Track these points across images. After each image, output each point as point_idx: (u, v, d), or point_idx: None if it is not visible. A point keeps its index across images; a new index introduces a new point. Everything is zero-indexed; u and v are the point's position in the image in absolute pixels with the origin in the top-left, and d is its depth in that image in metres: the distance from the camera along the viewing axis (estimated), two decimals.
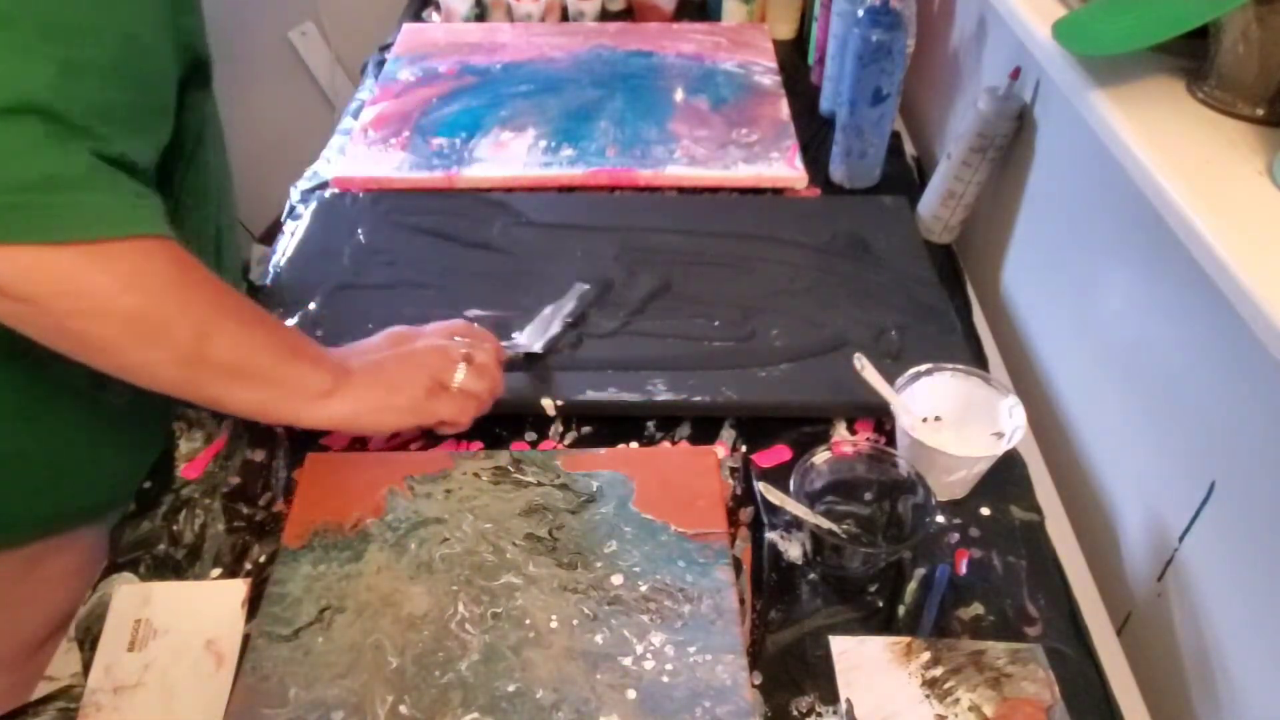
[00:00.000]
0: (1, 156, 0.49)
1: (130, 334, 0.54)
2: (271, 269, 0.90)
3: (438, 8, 1.42)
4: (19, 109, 0.49)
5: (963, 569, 0.66)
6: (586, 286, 0.85)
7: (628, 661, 0.60)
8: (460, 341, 0.69)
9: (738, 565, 0.66)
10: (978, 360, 0.83)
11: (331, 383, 0.63)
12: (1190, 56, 0.64)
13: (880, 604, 0.64)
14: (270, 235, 0.96)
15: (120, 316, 0.53)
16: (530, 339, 0.79)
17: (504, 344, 0.75)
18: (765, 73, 1.22)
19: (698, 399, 0.76)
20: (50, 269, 0.51)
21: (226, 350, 0.57)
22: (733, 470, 0.73)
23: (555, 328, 0.81)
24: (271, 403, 0.61)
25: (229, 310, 0.59)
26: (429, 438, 0.75)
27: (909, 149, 1.16)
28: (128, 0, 0.56)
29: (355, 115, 1.16)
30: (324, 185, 1.04)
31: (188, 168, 0.73)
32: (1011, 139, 0.89)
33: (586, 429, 0.77)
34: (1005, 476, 0.72)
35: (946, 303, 0.86)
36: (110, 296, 0.53)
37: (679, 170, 1.04)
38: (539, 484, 0.71)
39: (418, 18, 1.42)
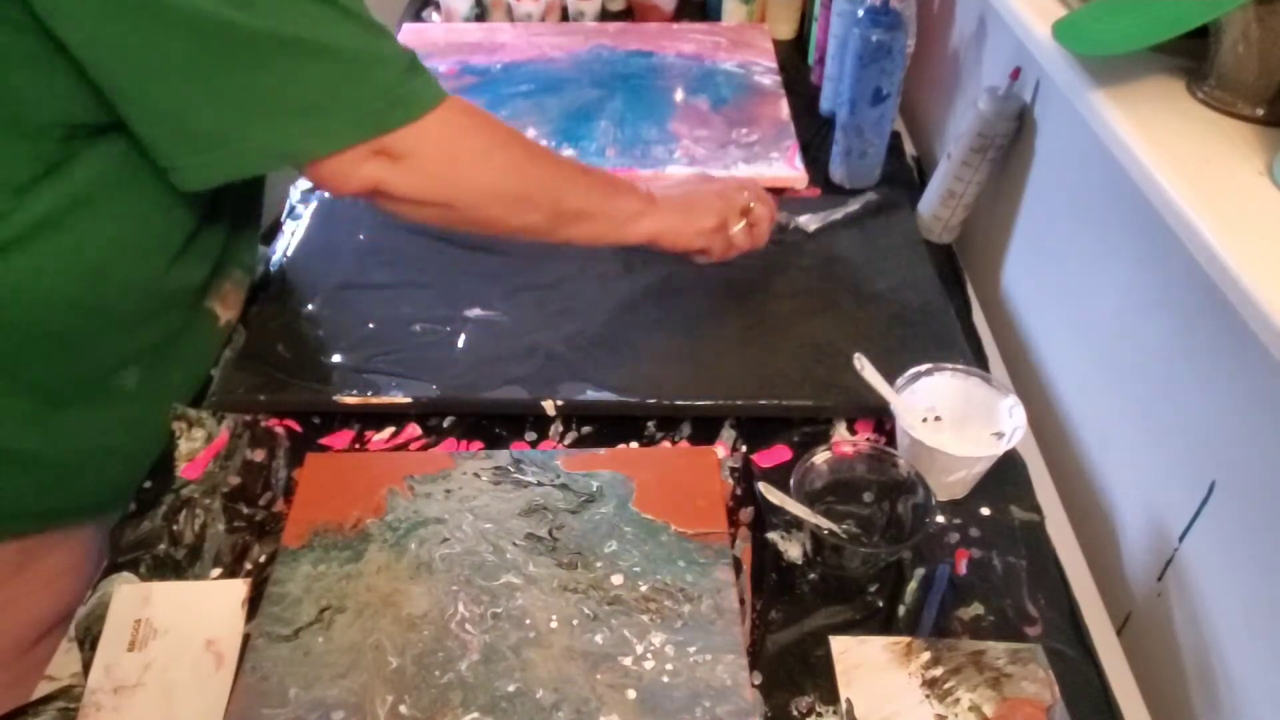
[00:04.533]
0: (380, 64, 0.60)
1: (512, 210, 0.69)
2: (272, 269, 0.90)
3: (438, 8, 1.42)
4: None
5: (963, 569, 0.66)
6: (874, 197, 0.97)
7: (628, 661, 0.60)
8: (746, 196, 0.81)
9: (738, 565, 0.66)
10: (978, 360, 0.83)
11: (643, 204, 0.75)
12: (1190, 56, 0.64)
13: (880, 604, 0.64)
14: (270, 235, 0.96)
15: (501, 201, 0.68)
16: (808, 222, 0.93)
17: (786, 213, 0.91)
18: (765, 73, 1.22)
19: (698, 399, 0.76)
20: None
21: (573, 201, 0.71)
22: (733, 470, 0.73)
23: (835, 216, 0.94)
24: (606, 232, 0.74)
25: (562, 170, 0.72)
26: (430, 435, 0.75)
27: (909, 149, 1.16)
28: None
29: None
30: None
31: None
32: (1011, 139, 0.89)
33: (586, 429, 0.77)
34: (1005, 476, 0.72)
35: (946, 303, 0.86)
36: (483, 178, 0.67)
37: (679, 170, 1.04)
38: (539, 484, 0.71)
39: (418, 18, 1.42)
